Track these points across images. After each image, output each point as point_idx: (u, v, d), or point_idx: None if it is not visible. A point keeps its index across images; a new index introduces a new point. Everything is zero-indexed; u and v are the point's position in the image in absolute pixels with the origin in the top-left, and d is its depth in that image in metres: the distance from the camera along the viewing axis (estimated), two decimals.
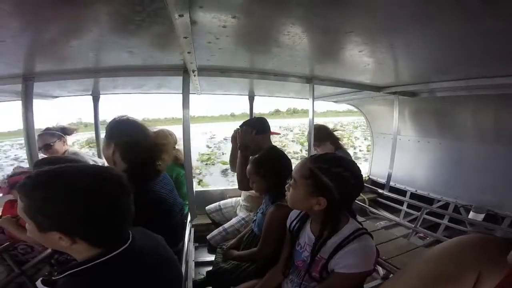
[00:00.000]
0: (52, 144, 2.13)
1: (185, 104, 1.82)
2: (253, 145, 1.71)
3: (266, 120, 1.89)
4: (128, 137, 1.32)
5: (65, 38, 1.14)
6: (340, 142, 2.44)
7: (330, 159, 0.99)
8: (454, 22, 0.97)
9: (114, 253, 0.70)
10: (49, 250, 1.50)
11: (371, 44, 1.31)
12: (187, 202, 1.99)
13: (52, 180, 0.66)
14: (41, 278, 1.55)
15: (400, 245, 2.06)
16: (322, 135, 2.40)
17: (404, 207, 3.26)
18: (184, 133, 1.85)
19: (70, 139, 2.37)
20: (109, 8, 0.83)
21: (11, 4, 0.77)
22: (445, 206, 2.97)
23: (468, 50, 1.34)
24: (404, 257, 1.85)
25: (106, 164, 1.52)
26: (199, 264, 1.98)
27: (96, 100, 2.81)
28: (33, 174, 0.69)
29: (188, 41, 1.09)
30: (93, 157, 2.42)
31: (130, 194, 0.74)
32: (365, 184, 3.59)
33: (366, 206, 3.19)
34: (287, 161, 1.43)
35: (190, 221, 1.85)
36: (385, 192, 3.38)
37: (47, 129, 2.21)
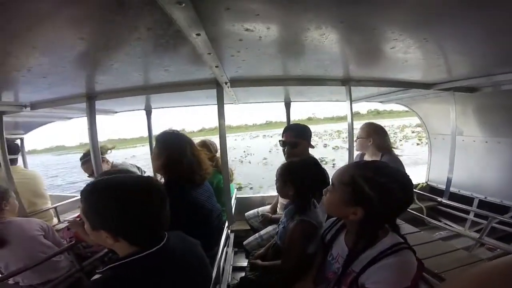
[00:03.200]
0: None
1: (221, 115, 1.91)
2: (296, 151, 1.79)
3: (308, 129, 1.94)
4: (174, 149, 1.48)
5: (117, 61, 1.31)
6: (388, 145, 2.19)
7: (376, 167, 0.92)
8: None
9: (148, 251, 0.80)
10: (105, 250, 1.73)
11: (408, 38, 1.20)
12: (225, 208, 2.07)
13: (104, 188, 0.81)
14: (96, 276, 1.81)
15: (459, 257, 1.81)
16: (367, 131, 2.19)
17: (471, 216, 2.85)
18: (221, 142, 1.94)
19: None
20: (141, 33, 0.95)
21: (85, 37, 0.93)
22: None
23: None
24: (462, 271, 1.61)
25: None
26: (237, 269, 2.03)
27: (148, 114, 3.18)
28: (93, 182, 0.86)
29: (213, 57, 1.17)
30: (133, 168, 2.62)
31: (166, 202, 0.86)
32: (423, 191, 3.29)
33: (423, 216, 2.86)
34: (317, 176, 1.36)
35: (228, 227, 1.91)
36: (444, 200, 2.99)
37: (84, 155, 2.34)
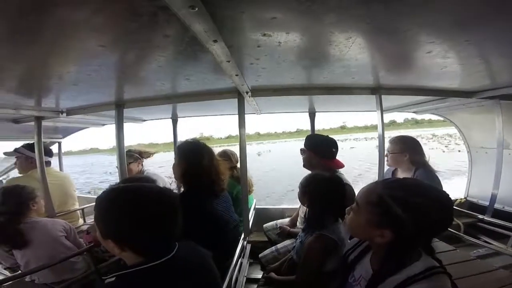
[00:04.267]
0: (128, 163, 2.44)
1: (241, 124, 1.89)
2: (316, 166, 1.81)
3: (332, 143, 1.88)
4: (192, 159, 1.48)
5: (141, 70, 1.35)
6: (425, 159, 2.00)
7: (408, 185, 0.83)
8: None
9: (154, 263, 0.78)
10: None
11: (447, 41, 1.09)
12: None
13: (112, 198, 0.81)
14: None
15: (499, 278, 1.60)
16: (401, 145, 2.03)
17: None
18: (241, 152, 1.91)
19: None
20: (159, 41, 0.95)
21: (106, 44, 0.96)
22: None
23: None
24: None
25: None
26: (251, 281, 1.96)
27: (175, 123, 3.26)
28: (107, 189, 0.86)
29: (232, 65, 1.14)
30: (160, 176, 2.68)
31: (178, 214, 0.84)
32: (461, 208, 2.98)
33: (461, 234, 2.58)
34: (330, 193, 1.31)
35: (244, 238, 1.86)
36: (486, 218, 2.69)
37: (129, 150, 2.54)
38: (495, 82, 1.91)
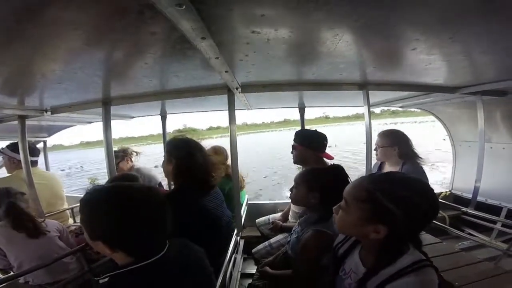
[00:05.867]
0: (117, 164, 2.46)
1: (232, 120, 1.89)
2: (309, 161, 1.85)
3: (323, 137, 1.94)
4: (182, 156, 1.46)
5: (128, 68, 1.33)
6: (414, 153, 2.06)
7: (396, 179, 0.84)
8: None
9: (145, 262, 0.79)
10: None
11: (432, 38, 1.11)
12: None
13: (99, 199, 0.80)
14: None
15: (483, 269, 1.69)
16: (392, 138, 2.09)
17: (498, 226, 2.65)
18: (232, 148, 1.91)
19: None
20: (146, 39, 0.94)
21: (92, 43, 0.94)
22: None
23: None
24: (486, 283, 1.51)
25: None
26: (245, 276, 1.98)
27: (164, 119, 3.22)
28: (91, 190, 0.84)
29: (221, 61, 1.14)
30: (151, 172, 2.73)
31: (167, 212, 0.84)
32: (446, 201, 3.10)
33: (446, 226, 2.69)
34: (344, 184, 1.30)
35: (237, 234, 1.87)
36: (470, 210, 2.81)
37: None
38: (477, 78, 1.97)
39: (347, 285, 0.92)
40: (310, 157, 1.90)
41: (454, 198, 3.34)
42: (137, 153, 2.77)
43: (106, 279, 0.81)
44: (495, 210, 2.83)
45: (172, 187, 2.26)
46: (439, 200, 3.06)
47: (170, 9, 0.66)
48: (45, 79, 1.39)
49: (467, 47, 1.26)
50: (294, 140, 1.99)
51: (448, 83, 2.14)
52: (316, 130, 2.02)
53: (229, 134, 1.89)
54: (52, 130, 3.52)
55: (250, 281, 1.61)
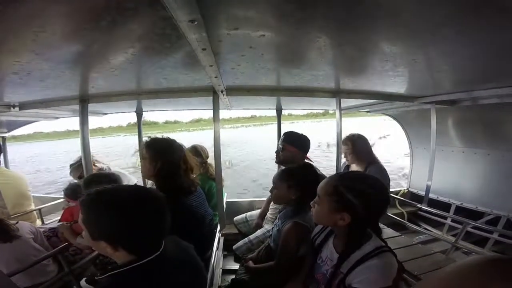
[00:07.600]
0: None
1: (216, 121, 1.94)
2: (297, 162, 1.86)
3: (308, 140, 2.03)
4: (167, 158, 1.45)
5: (111, 68, 1.31)
6: (372, 155, 2.32)
7: (355, 177, 1.05)
8: (495, 27, 0.88)
9: (146, 259, 0.82)
10: (95, 253, 1.72)
11: (398, 59, 1.29)
12: (217, 213, 2.10)
13: (103, 199, 0.82)
14: (85, 278, 1.80)
15: (436, 260, 1.97)
16: (349, 143, 2.32)
17: (448, 221, 3.04)
18: (215, 147, 1.96)
19: None
20: (144, 44, 0.97)
21: (67, 42, 0.93)
22: (496, 219, 2.74)
23: None
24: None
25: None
26: (226, 272, 2.06)
27: (139, 117, 3.14)
28: (93, 191, 0.85)
29: (213, 68, 1.21)
30: (127, 175, 2.68)
31: (166, 213, 0.88)
32: (404, 198, 3.46)
33: (404, 221, 3.01)
34: (318, 180, 1.42)
35: (219, 231, 1.94)
36: (424, 206, 3.16)
37: (71, 165, 2.47)
38: (432, 90, 2.27)
39: (325, 270, 1.06)
40: (299, 159, 1.97)
41: (411, 196, 3.72)
42: (97, 160, 2.63)
43: (106, 278, 0.83)
44: (445, 206, 3.22)
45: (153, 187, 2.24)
46: (397, 197, 3.45)
47: (182, 24, 0.70)
48: (12, 74, 1.29)
49: (426, 67, 1.49)
50: (286, 141, 1.99)
51: (408, 93, 2.41)
52: (302, 133, 2.10)
53: (212, 131, 1.94)
54: (12, 126, 3.25)
55: (231, 276, 1.67)
